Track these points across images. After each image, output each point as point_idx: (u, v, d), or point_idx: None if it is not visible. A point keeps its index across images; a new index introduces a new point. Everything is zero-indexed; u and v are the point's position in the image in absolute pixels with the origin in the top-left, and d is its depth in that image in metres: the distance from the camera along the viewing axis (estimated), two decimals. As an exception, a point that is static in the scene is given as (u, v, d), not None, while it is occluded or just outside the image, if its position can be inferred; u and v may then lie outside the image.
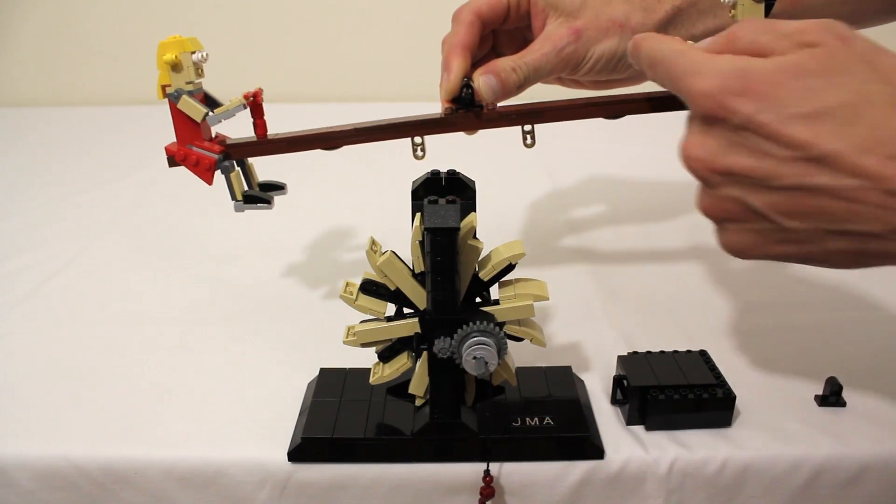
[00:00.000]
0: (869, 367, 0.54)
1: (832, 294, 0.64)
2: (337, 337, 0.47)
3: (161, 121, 1.17)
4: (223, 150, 0.53)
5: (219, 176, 0.54)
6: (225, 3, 1.13)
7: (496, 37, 0.57)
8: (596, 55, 0.52)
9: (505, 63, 0.51)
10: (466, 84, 0.51)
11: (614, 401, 0.51)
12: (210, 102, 0.52)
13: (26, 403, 0.51)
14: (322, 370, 0.52)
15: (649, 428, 0.48)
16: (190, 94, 0.51)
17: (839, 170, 0.34)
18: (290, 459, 0.46)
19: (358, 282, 0.47)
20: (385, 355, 0.47)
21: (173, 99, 0.51)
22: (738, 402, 0.48)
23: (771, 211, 0.36)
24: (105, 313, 0.62)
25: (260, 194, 0.55)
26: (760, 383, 0.52)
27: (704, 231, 0.54)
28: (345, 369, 0.52)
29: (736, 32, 0.38)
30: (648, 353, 0.51)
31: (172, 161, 0.53)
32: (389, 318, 0.46)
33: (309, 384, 0.52)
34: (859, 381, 0.51)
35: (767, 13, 0.47)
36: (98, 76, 1.20)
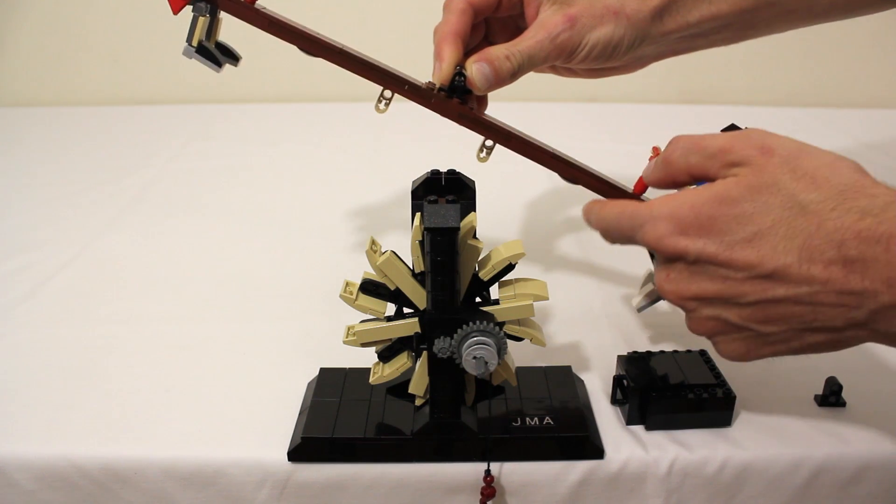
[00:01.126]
0: (869, 367, 0.54)
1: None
2: (337, 337, 0.47)
3: (161, 121, 1.18)
4: None
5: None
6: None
7: (489, 25, 0.56)
8: (591, 43, 0.51)
9: (498, 51, 0.50)
10: (459, 72, 0.50)
11: (614, 401, 0.51)
12: None
13: (26, 403, 0.51)
14: (322, 370, 0.52)
15: (649, 428, 0.48)
16: None
17: (791, 281, 0.37)
18: (290, 459, 0.46)
19: (358, 282, 0.47)
20: (385, 355, 0.47)
21: None
22: (738, 402, 0.48)
23: (747, 322, 0.40)
24: (105, 313, 0.62)
25: (215, 52, 0.53)
26: (760, 383, 0.52)
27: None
28: (345, 369, 0.52)
29: (670, 157, 0.42)
30: (648, 353, 0.51)
31: None
32: (389, 318, 0.46)
33: (309, 384, 0.52)
34: (859, 381, 0.51)
35: None
36: (98, 76, 1.20)
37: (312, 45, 0.51)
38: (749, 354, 0.41)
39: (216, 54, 0.53)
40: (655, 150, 0.50)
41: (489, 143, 0.52)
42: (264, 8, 0.51)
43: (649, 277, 0.52)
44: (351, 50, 0.51)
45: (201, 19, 0.51)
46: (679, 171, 0.42)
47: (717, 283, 0.39)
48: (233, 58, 0.55)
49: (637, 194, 0.51)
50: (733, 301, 0.39)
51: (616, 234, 0.44)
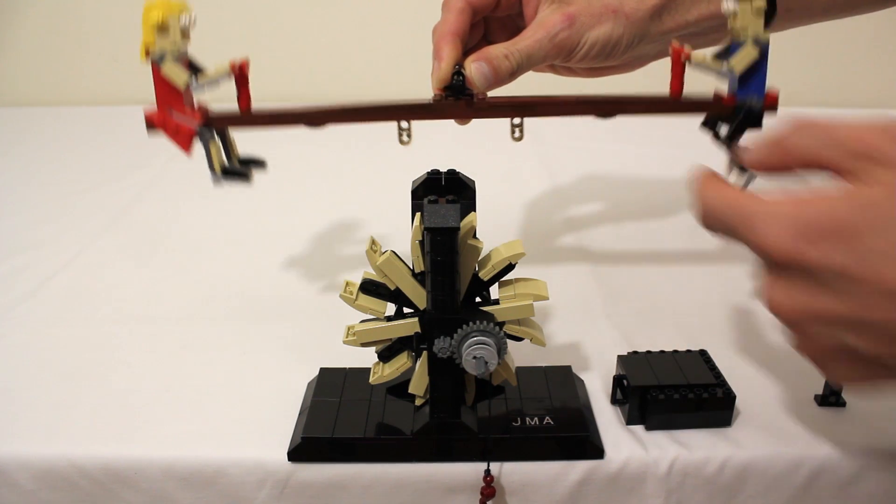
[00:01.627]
0: (869, 367, 0.54)
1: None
2: (337, 337, 0.47)
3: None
4: (204, 120, 0.51)
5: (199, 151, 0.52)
6: (225, 3, 1.13)
7: (488, 25, 0.56)
8: (590, 41, 0.51)
9: (497, 50, 0.50)
10: (457, 72, 0.50)
11: (614, 401, 0.51)
12: (194, 69, 0.50)
13: (26, 403, 0.51)
14: (322, 370, 0.52)
15: (649, 428, 0.48)
16: (174, 58, 0.49)
17: None
18: (290, 459, 0.46)
19: (358, 281, 0.47)
20: (385, 355, 0.47)
21: (157, 62, 0.49)
22: (738, 401, 0.48)
23: (874, 348, 0.34)
24: (105, 313, 0.62)
25: (239, 169, 0.54)
26: (760, 383, 0.52)
27: (704, 230, 0.54)
28: (345, 369, 0.52)
29: (787, 140, 0.36)
30: (648, 352, 0.51)
31: (151, 126, 0.51)
32: (389, 318, 0.46)
33: (309, 384, 0.52)
34: (859, 381, 0.51)
35: (767, 25, 0.48)
36: (98, 76, 1.20)
37: (316, 117, 0.51)
38: (870, 380, 0.36)
39: (241, 170, 0.54)
40: (674, 46, 0.48)
41: (516, 120, 0.51)
42: (261, 108, 0.52)
43: (730, 168, 0.47)
44: (352, 104, 0.51)
45: (213, 146, 0.52)
46: (795, 157, 0.36)
47: (845, 302, 0.32)
48: (259, 165, 0.55)
49: (676, 97, 0.50)
50: (861, 322, 0.32)
51: (717, 224, 0.38)
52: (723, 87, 0.50)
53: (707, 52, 0.50)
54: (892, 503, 0.47)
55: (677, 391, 0.47)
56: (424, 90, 0.53)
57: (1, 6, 1.16)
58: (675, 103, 0.50)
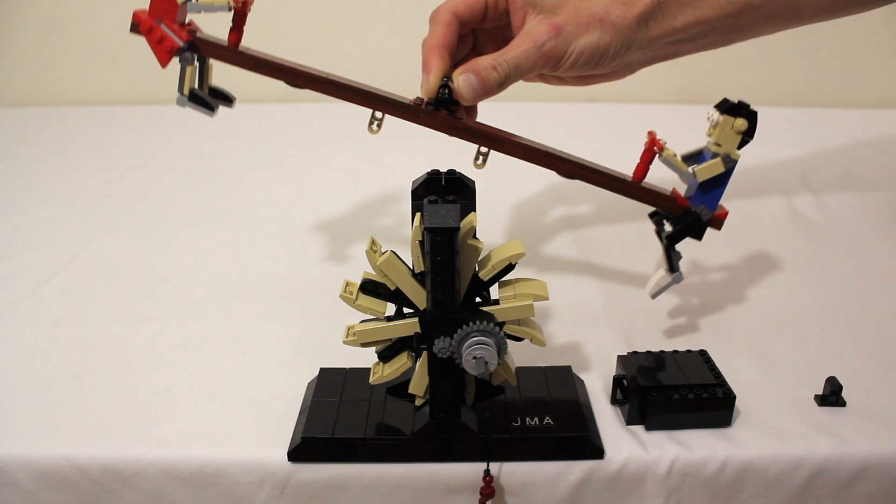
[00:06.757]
0: (869, 367, 0.54)
1: (832, 294, 0.64)
2: (337, 337, 0.47)
3: (161, 121, 1.17)
4: (190, 40, 0.51)
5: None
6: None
7: (476, 36, 0.56)
8: (577, 50, 0.51)
9: (485, 61, 0.50)
10: (444, 84, 0.50)
11: (614, 401, 0.51)
12: None
13: (26, 403, 0.51)
14: (322, 370, 0.52)
15: (649, 428, 0.48)
16: None
17: None
18: (289, 459, 0.46)
19: (358, 282, 0.47)
20: (385, 355, 0.47)
21: None
22: (738, 402, 0.48)
23: None
24: (105, 313, 0.62)
25: (206, 97, 0.53)
26: (760, 383, 0.52)
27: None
28: (345, 369, 0.52)
29: None
30: (648, 353, 0.51)
31: (136, 28, 0.51)
32: (389, 318, 0.46)
33: (309, 384, 0.52)
34: (859, 381, 0.51)
35: (740, 146, 0.50)
36: (98, 76, 1.20)
37: (298, 77, 0.52)
38: None
39: (208, 100, 0.54)
40: (651, 136, 0.51)
41: (484, 149, 0.52)
42: (248, 49, 0.52)
43: (660, 263, 0.54)
44: (336, 77, 0.52)
45: (189, 68, 0.52)
46: None
47: None
48: (226, 100, 0.55)
49: (637, 182, 0.52)
50: None
51: None
52: (681, 188, 0.53)
53: (679, 151, 0.52)
54: (892, 503, 0.47)
55: (677, 391, 0.47)
56: (417, 92, 0.53)
57: (1, 6, 1.16)
58: (633, 187, 0.53)
